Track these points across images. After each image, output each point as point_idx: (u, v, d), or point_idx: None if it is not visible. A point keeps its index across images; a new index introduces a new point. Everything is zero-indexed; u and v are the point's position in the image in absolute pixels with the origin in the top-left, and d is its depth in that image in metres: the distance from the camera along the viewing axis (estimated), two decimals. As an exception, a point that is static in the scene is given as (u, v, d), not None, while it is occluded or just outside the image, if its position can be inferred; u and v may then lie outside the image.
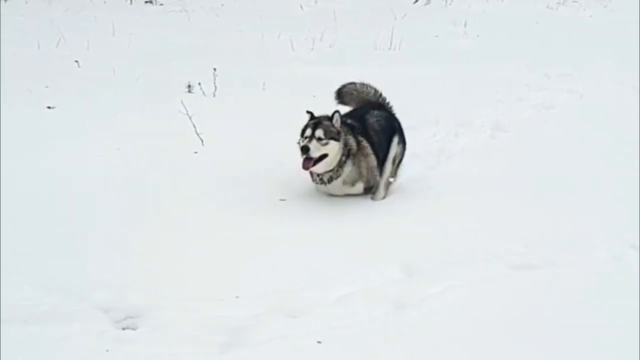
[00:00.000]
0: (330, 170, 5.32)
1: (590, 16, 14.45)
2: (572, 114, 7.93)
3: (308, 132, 5.23)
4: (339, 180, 5.37)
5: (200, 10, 14.24)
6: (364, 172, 5.43)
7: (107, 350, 3.32)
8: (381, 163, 5.56)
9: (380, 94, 6.02)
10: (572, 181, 5.73)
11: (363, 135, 5.50)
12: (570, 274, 4.27)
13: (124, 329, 3.62)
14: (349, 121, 5.52)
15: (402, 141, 5.78)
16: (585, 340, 3.59)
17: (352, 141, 5.38)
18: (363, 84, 6.06)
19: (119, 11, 13.51)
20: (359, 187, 5.48)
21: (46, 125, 6.82)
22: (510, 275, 4.26)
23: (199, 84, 8.01)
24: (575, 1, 16.06)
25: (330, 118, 5.31)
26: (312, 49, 11.07)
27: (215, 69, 7.95)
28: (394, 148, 5.68)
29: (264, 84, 8.48)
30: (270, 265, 4.35)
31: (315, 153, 5.15)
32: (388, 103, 6.01)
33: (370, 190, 5.52)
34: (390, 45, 11.26)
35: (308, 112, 5.42)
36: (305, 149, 5.15)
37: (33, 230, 4.66)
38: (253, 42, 11.46)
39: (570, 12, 14.98)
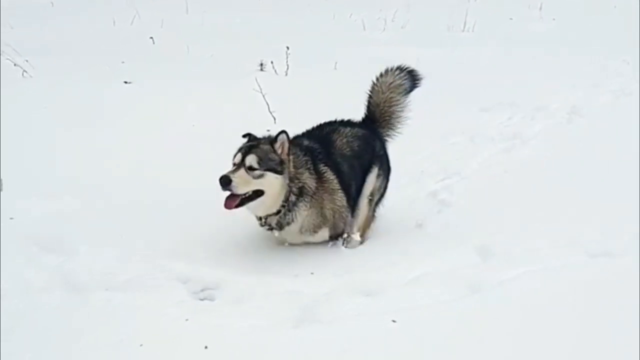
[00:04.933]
0: (276, 214, 4.12)
1: (672, 1, 13.94)
2: (651, 101, 7.68)
3: (237, 157, 4.00)
4: (294, 227, 4.18)
5: (272, -11, 14.32)
6: (329, 215, 4.23)
7: (186, 320, 3.38)
8: (353, 198, 4.37)
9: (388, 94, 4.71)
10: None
11: (327, 162, 4.27)
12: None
13: (201, 299, 3.70)
14: (306, 143, 4.31)
15: (385, 171, 4.59)
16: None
17: (307, 176, 4.14)
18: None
19: (192, -11, 13.68)
20: (323, 234, 4.28)
21: (123, 100, 6.97)
22: (588, 263, 4.14)
23: (272, 62, 8.05)
24: (656, -15, 15.55)
25: (272, 141, 4.06)
26: (384, 29, 11.02)
27: (288, 48, 7.97)
28: (372, 181, 4.47)
29: (335, 64, 8.47)
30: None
31: (241, 188, 3.88)
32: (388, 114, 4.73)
33: (338, 236, 4.36)
34: (464, 27, 11.12)
35: (245, 135, 4.25)
36: (224, 180, 3.83)
37: (113, 202, 4.78)
38: (324, 22, 11.46)
39: (650, -4, 14.50)
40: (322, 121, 4.69)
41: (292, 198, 4.09)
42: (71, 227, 4.35)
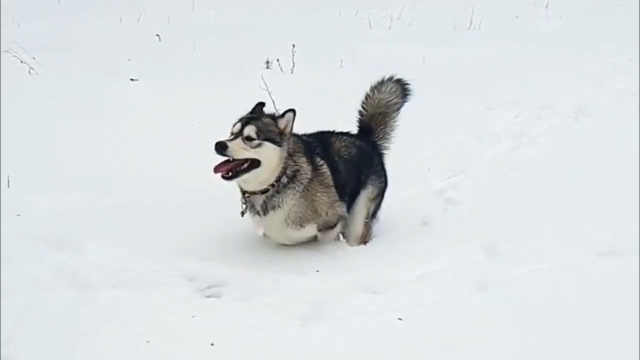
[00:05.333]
0: (264, 192, 3.93)
1: (680, -1, 13.90)
2: (659, 99, 7.66)
3: (236, 127, 3.86)
4: (280, 214, 3.98)
5: (278, -13, 14.31)
6: (320, 209, 4.08)
7: (192, 317, 3.38)
8: (346, 200, 4.24)
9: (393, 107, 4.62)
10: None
11: (324, 158, 4.14)
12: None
13: (208, 297, 3.70)
14: (305, 138, 4.21)
15: (381, 187, 4.46)
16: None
17: (304, 161, 4.00)
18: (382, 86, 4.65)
19: (198, -13, 13.70)
20: (310, 230, 4.13)
21: (129, 97, 6.98)
22: (595, 262, 4.13)
23: (277, 60, 8.06)
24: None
25: (277, 117, 3.94)
26: (390, 27, 11.02)
27: (294, 46, 7.97)
28: (366, 201, 4.35)
29: (341, 62, 8.47)
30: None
31: (237, 154, 3.76)
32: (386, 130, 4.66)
33: (329, 228, 4.21)
34: (470, 25, 11.11)
35: (260, 104, 4.12)
36: (220, 146, 3.73)
37: (120, 200, 4.79)
38: (330, 20, 11.46)
39: (658, -7, 14.46)
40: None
41: (284, 180, 3.91)
42: (78, 225, 4.35)
